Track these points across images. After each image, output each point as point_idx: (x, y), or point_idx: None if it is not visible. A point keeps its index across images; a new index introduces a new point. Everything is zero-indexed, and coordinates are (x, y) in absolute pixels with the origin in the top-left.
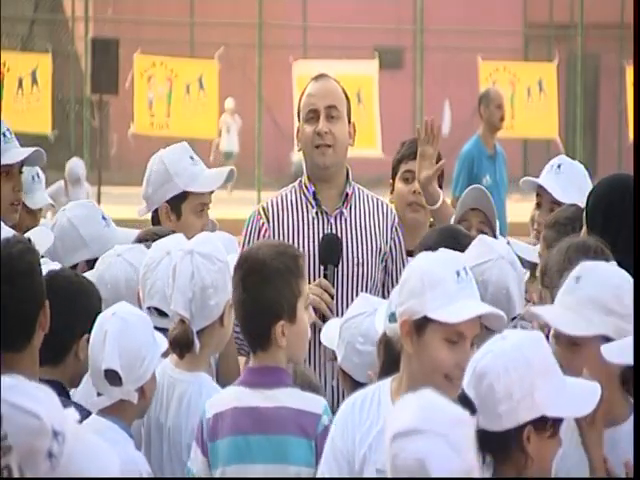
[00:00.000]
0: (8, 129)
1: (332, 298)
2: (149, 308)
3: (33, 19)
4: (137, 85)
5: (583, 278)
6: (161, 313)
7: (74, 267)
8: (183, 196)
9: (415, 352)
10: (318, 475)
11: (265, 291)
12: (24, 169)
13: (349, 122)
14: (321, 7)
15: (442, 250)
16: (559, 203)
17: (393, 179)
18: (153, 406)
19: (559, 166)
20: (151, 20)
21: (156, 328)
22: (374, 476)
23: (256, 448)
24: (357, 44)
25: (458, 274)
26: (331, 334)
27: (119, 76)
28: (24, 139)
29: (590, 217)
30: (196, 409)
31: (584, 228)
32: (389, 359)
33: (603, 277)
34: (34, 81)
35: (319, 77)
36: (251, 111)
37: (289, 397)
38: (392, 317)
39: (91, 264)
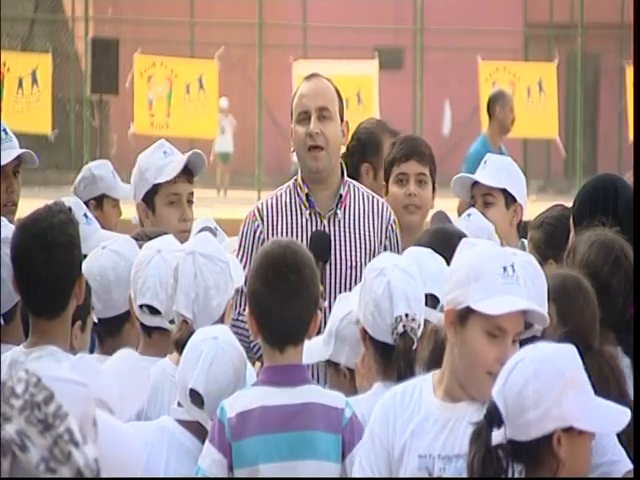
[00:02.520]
0: (5, 129)
1: (323, 297)
2: (141, 307)
3: (33, 19)
4: (137, 85)
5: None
6: (152, 311)
7: None
8: (154, 190)
9: (457, 343)
10: (356, 464)
11: (311, 285)
12: (90, 168)
13: (342, 120)
14: (321, 7)
15: (492, 245)
16: (492, 193)
17: (386, 181)
18: (153, 406)
19: (485, 162)
20: (151, 20)
21: (148, 327)
22: (415, 462)
23: (287, 445)
24: (357, 44)
25: (505, 269)
26: (313, 352)
27: (119, 76)
28: (24, 139)
29: (576, 219)
30: None
31: (572, 231)
32: (436, 348)
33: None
34: (34, 81)
35: (310, 77)
36: (251, 111)
37: (314, 393)
38: (442, 307)
39: None
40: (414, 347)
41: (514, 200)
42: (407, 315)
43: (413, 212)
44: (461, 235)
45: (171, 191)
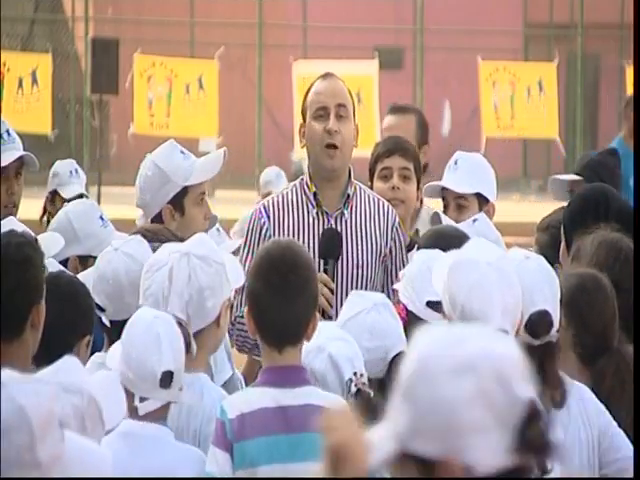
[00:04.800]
0: (8, 130)
1: (332, 293)
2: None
3: (33, 19)
4: (137, 85)
5: (460, 160)
6: None
7: (65, 261)
8: (184, 192)
9: None
10: None
11: (309, 286)
12: (60, 166)
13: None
14: (321, 7)
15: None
16: (465, 196)
17: (371, 180)
18: None
19: (455, 162)
20: (151, 20)
21: None
22: None
23: (288, 447)
24: (357, 44)
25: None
26: None
27: (119, 76)
28: (24, 139)
29: (567, 231)
30: (198, 410)
31: (562, 242)
32: None
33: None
34: (34, 81)
35: (327, 75)
36: (251, 111)
37: (313, 395)
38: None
39: (84, 261)
40: (371, 396)
41: (487, 200)
42: (355, 374)
43: (396, 205)
44: (461, 236)
45: (200, 191)
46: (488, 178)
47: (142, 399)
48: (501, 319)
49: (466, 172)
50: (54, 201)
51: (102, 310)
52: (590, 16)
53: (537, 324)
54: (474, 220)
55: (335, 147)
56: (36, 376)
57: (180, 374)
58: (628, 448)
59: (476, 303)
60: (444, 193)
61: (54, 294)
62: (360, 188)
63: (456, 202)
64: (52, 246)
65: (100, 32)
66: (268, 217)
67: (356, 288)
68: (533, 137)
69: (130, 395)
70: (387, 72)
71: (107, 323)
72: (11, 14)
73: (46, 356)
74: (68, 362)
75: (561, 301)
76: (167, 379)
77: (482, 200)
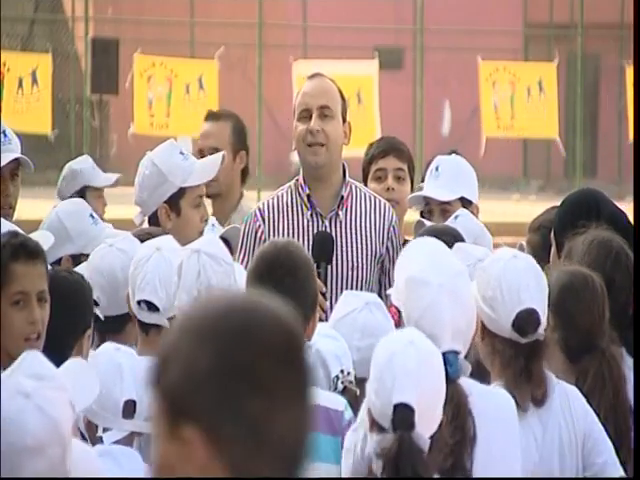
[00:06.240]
0: (4, 131)
1: (325, 298)
2: (139, 303)
3: (33, 19)
4: (137, 85)
5: (441, 166)
6: (150, 308)
7: (58, 261)
8: (180, 193)
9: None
10: None
11: (306, 287)
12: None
13: (344, 121)
14: (321, 7)
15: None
16: (449, 202)
17: (365, 181)
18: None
19: (437, 168)
20: (151, 20)
21: (145, 324)
22: None
23: None
24: (357, 44)
25: None
26: None
27: (119, 76)
28: (24, 139)
29: (557, 234)
30: None
31: (553, 247)
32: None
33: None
34: (34, 81)
35: (314, 76)
36: (251, 111)
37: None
38: None
39: (76, 260)
40: (357, 394)
41: (470, 202)
42: (342, 371)
43: (392, 207)
44: (454, 234)
45: (198, 193)
46: (470, 181)
47: (105, 430)
48: (451, 341)
49: (448, 178)
50: (85, 199)
51: (96, 304)
52: (590, 16)
53: (524, 322)
54: (456, 217)
55: (318, 144)
56: (6, 373)
57: (144, 404)
58: (610, 455)
59: (427, 326)
60: (427, 199)
61: (54, 292)
62: (356, 187)
63: (440, 208)
64: (41, 244)
65: (100, 32)
66: (263, 220)
67: (351, 289)
68: (533, 137)
69: (93, 426)
70: (387, 72)
71: (101, 317)
72: (11, 14)
73: (50, 354)
74: (31, 356)
75: (550, 299)
76: (130, 409)
77: (465, 202)
